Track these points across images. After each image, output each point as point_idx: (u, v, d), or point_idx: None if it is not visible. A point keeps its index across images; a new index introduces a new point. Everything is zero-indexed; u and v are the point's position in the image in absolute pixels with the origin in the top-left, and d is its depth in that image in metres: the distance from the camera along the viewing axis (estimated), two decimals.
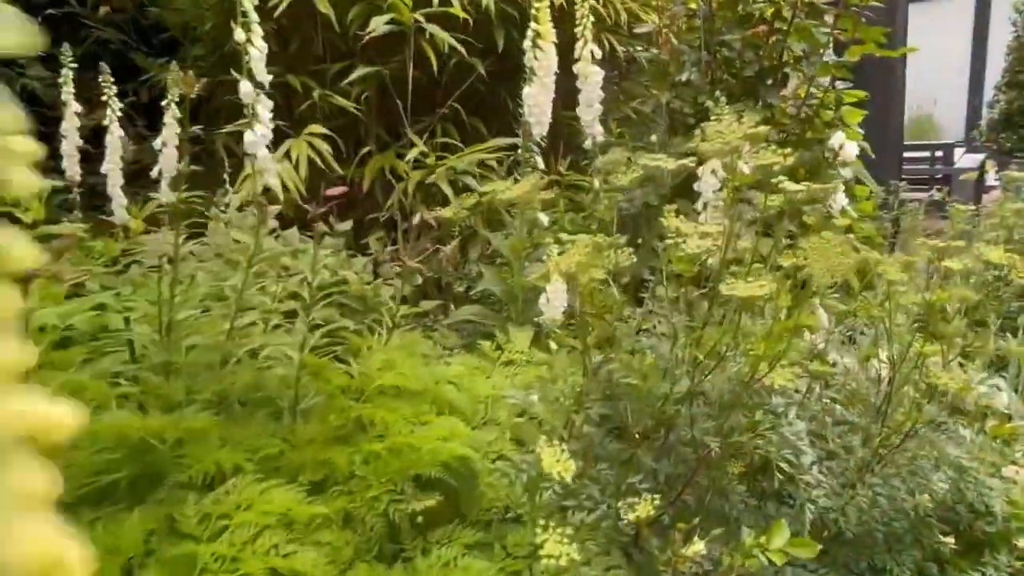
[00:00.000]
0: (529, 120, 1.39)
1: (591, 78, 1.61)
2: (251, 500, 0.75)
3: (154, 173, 1.60)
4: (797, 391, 1.22)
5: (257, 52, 1.14)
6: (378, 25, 1.96)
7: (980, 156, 5.36)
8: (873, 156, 2.48)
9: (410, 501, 0.84)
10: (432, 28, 2.02)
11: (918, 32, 5.18)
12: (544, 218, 1.42)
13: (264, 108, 1.16)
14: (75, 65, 1.87)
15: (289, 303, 1.56)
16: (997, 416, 1.35)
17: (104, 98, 1.62)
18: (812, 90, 1.78)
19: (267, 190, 1.17)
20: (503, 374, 1.15)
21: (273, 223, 1.88)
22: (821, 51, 1.71)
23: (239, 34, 1.11)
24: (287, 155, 2.05)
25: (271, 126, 1.17)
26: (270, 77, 1.16)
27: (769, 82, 1.75)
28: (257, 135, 1.14)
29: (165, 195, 1.81)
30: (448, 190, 1.98)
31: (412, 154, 2.16)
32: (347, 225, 1.85)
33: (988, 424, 1.31)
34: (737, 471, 0.99)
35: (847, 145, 1.74)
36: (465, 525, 0.86)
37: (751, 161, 0.94)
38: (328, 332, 1.39)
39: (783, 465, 0.84)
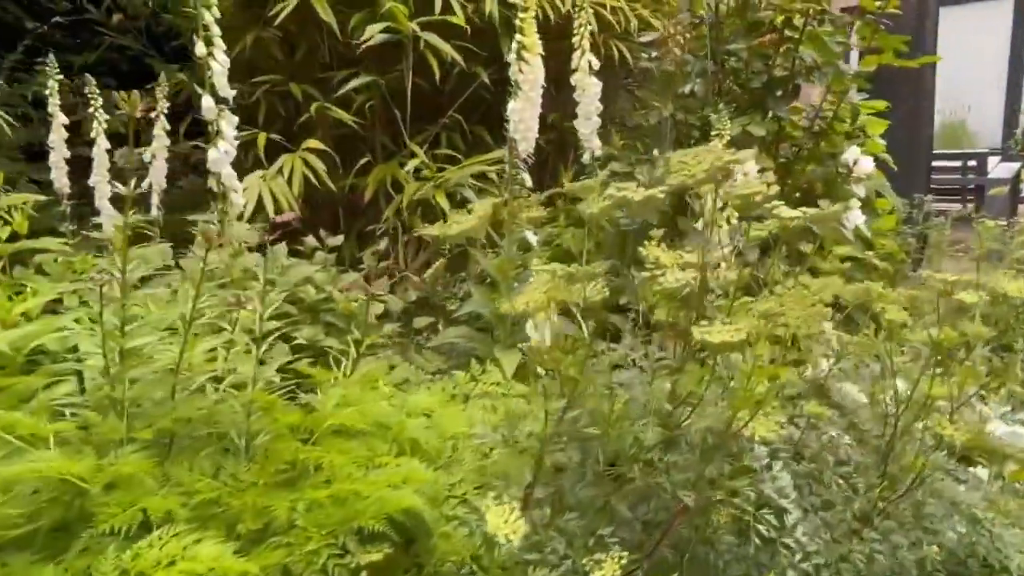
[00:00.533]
0: (514, 136, 1.32)
1: (589, 90, 1.53)
2: (174, 555, 0.70)
3: (143, 186, 1.57)
4: (797, 426, 1.14)
5: (219, 66, 1.08)
6: (373, 33, 1.90)
7: (1016, 165, 5.15)
8: (896, 168, 2.37)
9: (355, 555, 0.78)
10: (429, 36, 1.96)
11: (952, 35, 5.01)
12: (533, 237, 1.35)
13: (228, 124, 1.11)
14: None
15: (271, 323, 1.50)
16: (1019, 459, 1.24)
17: (92, 110, 1.59)
18: (826, 101, 1.69)
19: (226, 209, 1.12)
20: (478, 407, 1.09)
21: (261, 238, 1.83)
22: (835, 61, 1.61)
23: (200, 48, 1.06)
24: (280, 170, 2.01)
25: (236, 143, 1.12)
26: (233, 92, 1.10)
27: (779, 93, 1.65)
28: (221, 152, 1.09)
29: (153, 209, 1.78)
30: (445, 203, 1.92)
31: (411, 165, 2.11)
32: (338, 240, 1.80)
33: (1008, 468, 1.21)
34: (724, 519, 0.91)
35: (862, 160, 1.64)
36: None
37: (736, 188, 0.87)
38: (302, 355, 1.33)
39: (761, 528, 0.75)
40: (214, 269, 1.10)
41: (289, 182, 2.04)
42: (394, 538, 0.76)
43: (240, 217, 1.28)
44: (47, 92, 1.64)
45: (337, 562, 0.76)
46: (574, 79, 1.56)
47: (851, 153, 1.65)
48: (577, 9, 1.48)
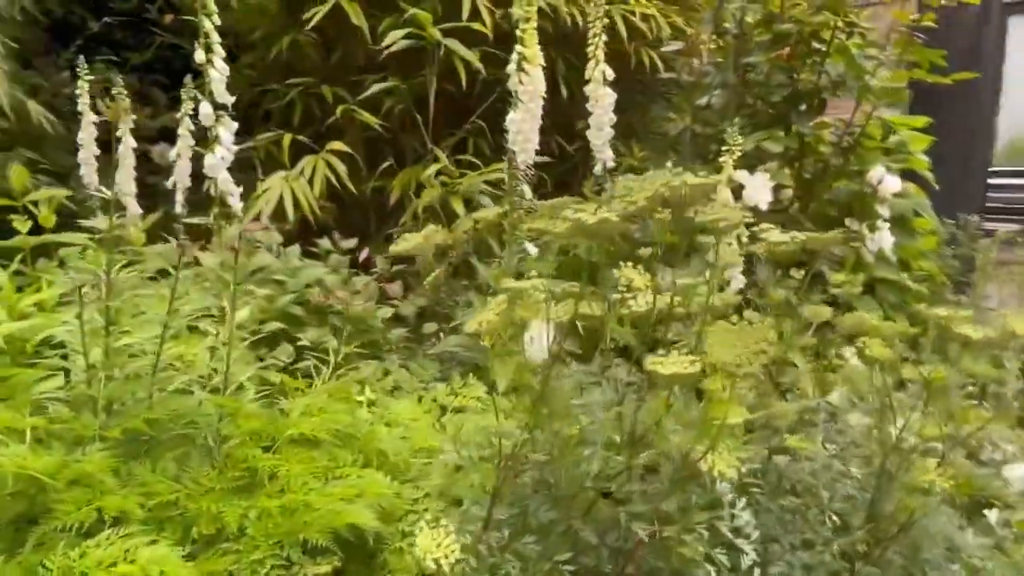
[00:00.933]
0: (513, 148, 1.30)
1: (602, 100, 1.50)
2: (116, 557, 0.71)
3: (168, 184, 1.61)
4: (795, 458, 1.09)
5: (217, 74, 1.11)
6: (396, 39, 1.92)
7: None
8: (938, 187, 2.26)
9: (303, 566, 0.78)
10: (451, 43, 1.96)
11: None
12: (533, 248, 1.33)
13: (227, 130, 1.13)
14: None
15: (273, 324, 1.53)
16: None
17: (120, 109, 1.65)
18: (856, 116, 1.62)
19: (228, 213, 1.15)
20: (455, 420, 1.08)
21: (278, 239, 1.86)
22: (863, 75, 1.54)
23: (199, 55, 1.09)
24: (302, 171, 2.04)
25: (233, 148, 1.14)
26: (232, 99, 1.12)
27: (802, 108, 1.59)
28: (217, 158, 1.12)
29: (178, 207, 1.83)
30: (461, 209, 1.92)
31: (432, 169, 2.11)
32: (352, 242, 1.82)
33: (1018, 515, 1.13)
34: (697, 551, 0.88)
35: (887, 178, 1.57)
36: None
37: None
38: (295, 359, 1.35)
39: (710, 569, 0.72)
40: (212, 270, 1.12)
41: (311, 183, 2.07)
42: (338, 553, 0.76)
43: (239, 219, 1.31)
44: (77, 92, 1.70)
45: (281, 573, 0.76)
46: (587, 89, 1.53)
47: (877, 172, 1.58)
48: (592, 19, 1.46)
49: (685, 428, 0.77)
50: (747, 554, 0.74)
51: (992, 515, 1.23)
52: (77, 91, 1.79)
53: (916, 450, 0.89)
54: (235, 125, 1.15)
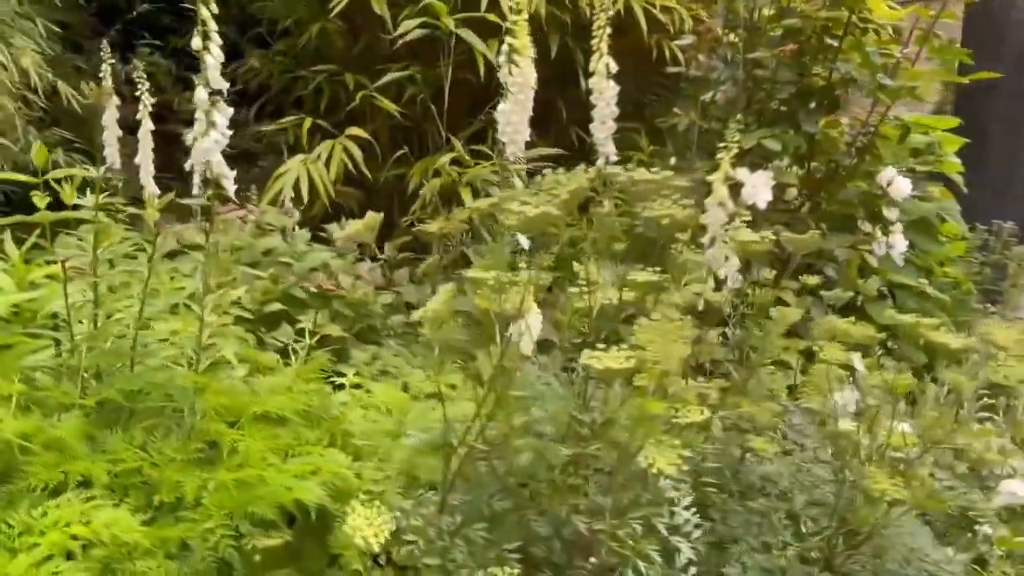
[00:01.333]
0: (502, 139, 1.31)
1: (605, 93, 1.49)
2: (72, 518, 0.75)
3: (187, 166, 1.67)
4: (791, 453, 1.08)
5: (212, 60, 1.14)
6: (410, 28, 1.94)
7: None
8: (966, 191, 2.18)
9: (254, 537, 0.81)
10: (465, 33, 1.97)
11: None
12: (525, 240, 1.34)
13: (221, 115, 1.17)
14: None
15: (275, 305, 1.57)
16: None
17: (138, 93, 1.71)
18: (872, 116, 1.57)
19: (222, 195, 1.18)
20: (427, 407, 1.10)
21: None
22: (876, 73, 1.50)
23: (196, 42, 1.12)
24: (319, 156, 2.08)
25: (228, 133, 1.18)
26: (226, 85, 1.16)
27: (812, 106, 1.56)
28: (211, 142, 1.15)
29: (194, 189, 1.89)
30: (469, 198, 1.93)
31: (447, 158, 2.13)
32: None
33: (1002, 531, 1.10)
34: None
35: (897, 181, 1.52)
36: (311, 572, 0.82)
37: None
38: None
39: (641, 565, 0.72)
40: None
41: (328, 167, 2.11)
42: (283, 527, 0.79)
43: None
44: (101, 74, 1.76)
45: (229, 543, 0.79)
46: (591, 82, 1.52)
47: (887, 173, 1.53)
48: (598, 11, 1.45)
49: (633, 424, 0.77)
50: (681, 553, 0.74)
51: (985, 530, 1.20)
52: (100, 74, 1.86)
53: (873, 458, 0.87)
54: (230, 111, 1.18)
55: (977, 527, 1.11)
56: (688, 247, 0.93)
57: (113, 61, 1.81)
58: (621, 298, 0.82)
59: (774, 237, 0.93)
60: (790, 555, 0.89)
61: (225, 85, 1.17)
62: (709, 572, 0.97)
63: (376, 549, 0.69)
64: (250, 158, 3.42)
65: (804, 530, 0.98)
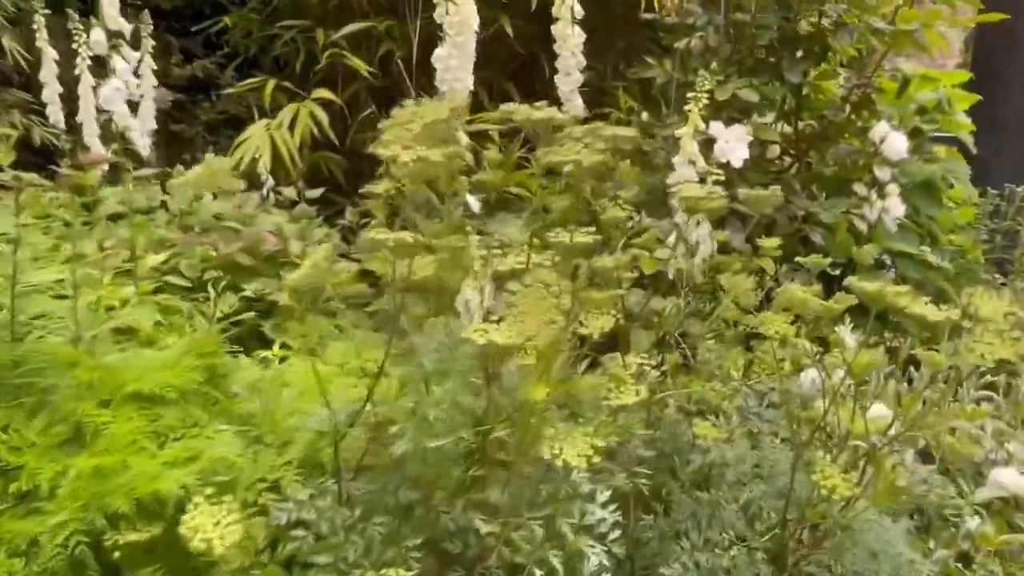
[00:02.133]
0: (440, 87, 1.18)
1: (568, 41, 1.36)
2: None
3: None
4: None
5: None
6: None
7: None
8: (975, 151, 2.02)
9: (116, 532, 0.72)
10: None
11: None
12: (475, 202, 1.22)
13: (121, 60, 1.06)
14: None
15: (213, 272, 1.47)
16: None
17: (75, 46, 1.60)
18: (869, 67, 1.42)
19: (130, 149, 1.08)
20: (349, 385, 1.00)
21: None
22: (867, 15, 1.34)
23: None
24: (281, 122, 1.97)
25: (131, 79, 1.07)
26: (130, 26, 1.05)
27: (799, 54, 1.40)
28: (112, 89, 1.05)
29: (142, 150, 1.79)
30: None
31: None
32: (317, 192, 1.74)
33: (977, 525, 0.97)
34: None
35: (891, 137, 1.38)
36: (182, 571, 0.73)
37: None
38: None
39: (537, 572, 0.62)
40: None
41: (292, 132, 2.00)
42: (136, 521, 0.69)
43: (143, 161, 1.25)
44: (35, 27, 1.66)
45: (81, 539, 0.70)
46: (554, 29, 1.38)
47: (880, 128, 1.39)
48: None
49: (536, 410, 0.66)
50: (589, 559, 0.64)
51: (971, 525, 1.08)
52: (34, 27, 1.75)
53: (831, 447, 0.76)
54: (134, 54, 1.07)
55: (960, 522, 0.99)
56: (614, 204, 0.81)
57: (48, 11, 1.70)
58: (529, 261, 0.70)
59: (723, 194, 0.80)
60: (734, 553, 0.78)
61: (128, 27, 1.05)
62: (648, 571, 0.87)
63: (221, 552, 0.60)
64: (237, 124, 3.31)
65: (756, 527, 0.87)
